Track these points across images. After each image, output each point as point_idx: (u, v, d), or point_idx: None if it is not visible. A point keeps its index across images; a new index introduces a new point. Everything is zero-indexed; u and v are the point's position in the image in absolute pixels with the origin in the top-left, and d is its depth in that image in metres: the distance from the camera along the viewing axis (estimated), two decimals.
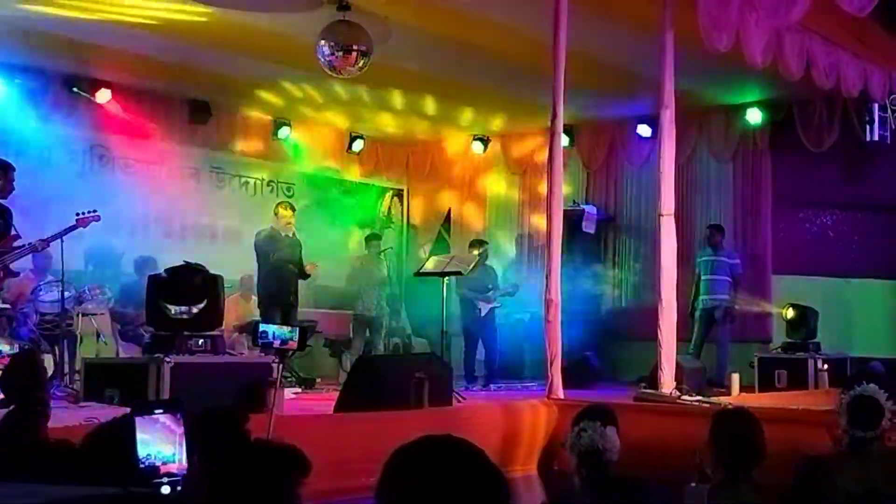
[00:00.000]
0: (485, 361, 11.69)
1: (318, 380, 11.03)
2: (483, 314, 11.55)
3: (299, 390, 9.87)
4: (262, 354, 7.54)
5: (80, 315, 9.35)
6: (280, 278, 9.89)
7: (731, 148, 12.97)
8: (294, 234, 10.11)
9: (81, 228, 8.61)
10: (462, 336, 11.80)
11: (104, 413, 5.69)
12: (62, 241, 8.43)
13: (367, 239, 12.22)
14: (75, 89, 11.34)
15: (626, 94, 11.82)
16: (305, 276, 10.01)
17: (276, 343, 5.75)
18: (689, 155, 12.92)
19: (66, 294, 8.92)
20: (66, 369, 8.89)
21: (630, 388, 9.86)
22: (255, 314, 11.16)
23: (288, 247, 10.00)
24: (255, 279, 10.25)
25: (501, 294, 11.86)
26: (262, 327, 5.84)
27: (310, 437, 5.18)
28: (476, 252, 11.37)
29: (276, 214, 10.22)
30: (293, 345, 5.76)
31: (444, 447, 1.95)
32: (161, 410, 3.17)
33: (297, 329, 5.77)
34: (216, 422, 3.47)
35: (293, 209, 10.33)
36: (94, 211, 8.74)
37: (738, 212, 12.90)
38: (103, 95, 11.55)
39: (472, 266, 10.61)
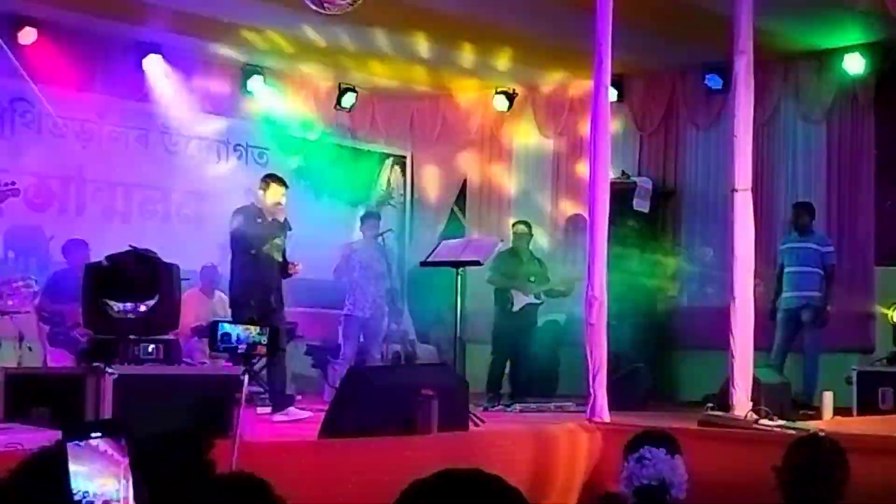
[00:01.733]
0: (509, 373, 11.72)
1: (299, 397, 11.04)
2: (516, 309, 11.58)
3: (269, 409, 9.88)
4: (229, 364, 7.56)
5: None
6: (261, 274, 9.52)
7: (824, 105, 12.92)
8: (286, 218, 9.65)
9: None
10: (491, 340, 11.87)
11: (30, 438, 5.72)
12: None
13: (362, 219, 12.23)
14: None
15: (691, 35, 11.79)
16: (287, 274, 9.85)
17: (242, 348, 5.76)
18: (771, 114, 12.88)
19: None
20: None
21: (693, 409, 9.85)
22: (220, 313, 11.19)
23: (276, 235, 9.62)
24: (229, 272, 9.92)
25: (547, 291, 11.87)
26: (222, 328, 5.86)
27: (286, 470, 5.20)
28: (500, 238, 11.43)
29: (262, 190, 9.65)
30: (262, 349, 5.78)
31: (469, 486, 1.94)
32: (100, 434, 3.18)
33: (268, 330, 5.78)
34: (170, 449, 3.49)
35: (286, 185, 9.78)
36: (12, 183, 8.77)
37: (832, 186, 12.86)
38: (27, 36, 11.58)
39: (493, 253, 10.63)
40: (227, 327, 5.89)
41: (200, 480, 3.25)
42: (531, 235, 12.08)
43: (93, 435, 3.17)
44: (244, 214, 9.64)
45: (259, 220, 9.56)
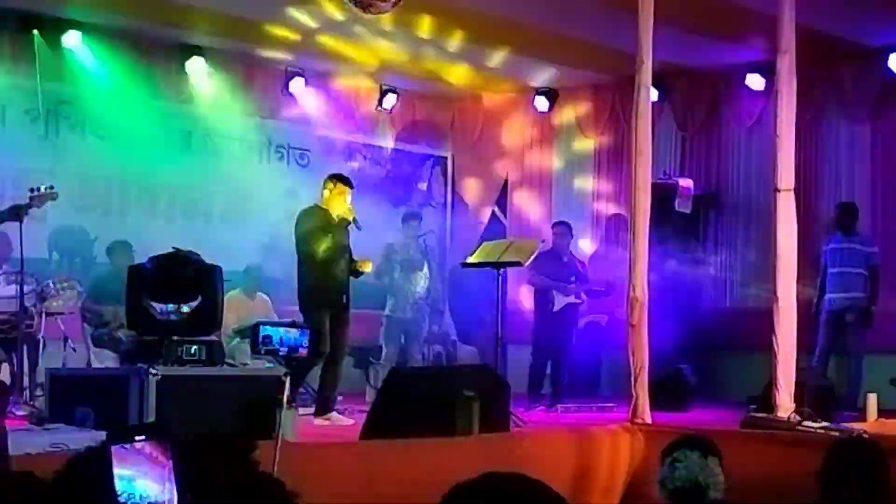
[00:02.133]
0: (550, 374, 11.72)
1: (340, 397, 11.07)
2: (556, 309, 11.58)
3: (311, 410, 9.92)
4: (271, 365, 7.60)
5: (43, 315, 9.48)
6: (333, 273, 9.55)
7: (869, 104, 12.83)
8: (355, 217, 9.62)
9: (36, 208, 8.73)
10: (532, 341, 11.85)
11: (74, 438, 5.77)
12: (21, 225, 8.55)
13: (404, 220, 12.23)
14: (35, 31, 11.46)
15: (733, 34, 11.73)
16: (357, 273, 9.92)
17: (283, 350, 5.78)
18: (815, 113, 12.78)
19: (26, 289, 9.04)
20: (27, 382, 9.01)
21: (736, 410, 9.81)
22: (262, 314, 11.24)
23: (344, 234, 9.67)
24: (296, 275, 9.90)
25: (587, 290, 11.87)
26: (264, 330, 5.89)
27: (328, 472, 5.23)
28: (539, 240, 11.41)
29: (328, 190, 9.67)
30: (304, 352, 5.80)
31: (511, 489, 1.94)
32: (144, 437, 3.20)
33: (308, 332, 5.77)
34: (215, 450, 3.51)
35: (351, 185, 9.80)
36: (51, 187, 8.85)
37: (876, 186, 12.76)
38: (71, 39, 11.67)
39: (534, 254, 10.62)
40: (269, 329, 5.91)
41: (246, 481, 3.27)
42: (572, 236, 12.06)
43: (137, 438, 3.19)
44: (313, 215, 9.65)
45: (327, 220, 9.58)
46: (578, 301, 11.78)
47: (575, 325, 11.91)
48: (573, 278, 11.75)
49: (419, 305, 11.85)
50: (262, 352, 5.90)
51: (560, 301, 11.63)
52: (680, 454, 4.15)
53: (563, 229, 11.99)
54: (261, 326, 5.97)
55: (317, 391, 9.66)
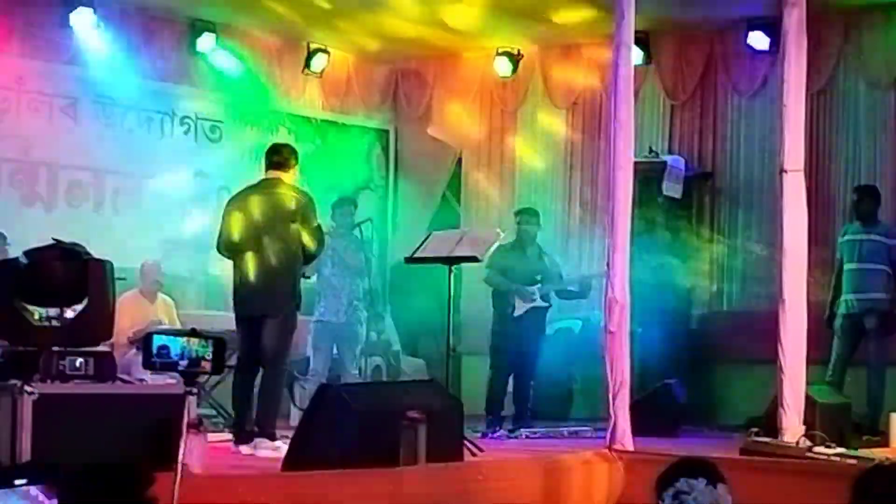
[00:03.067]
0: (512, 391, 11.72)
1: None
2: (518, 314, 11.58)
3: (229, 437, 9.88)
4: (173, 381, 7.52)
5: None
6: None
7: (892, 67, 12.92)
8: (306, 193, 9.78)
9: None
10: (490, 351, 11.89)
11: None
12: None
13: (335, 206, 12.22)
14: None
15: None
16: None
17: (183, 364, 5.73)
18: (828, 78, 12.87)
19: None
20: None
21: (735, 434, 9.86)
22: (164, 321, 11.16)
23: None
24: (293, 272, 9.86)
25: (558, 291, 11.85)
26: (158, 339, 5.81)
27: None
28: (498, 230, 11.41)
29: (296, 168, 9.88)
30: (207, 366, 5.75)
31: None
32: (25, 481, 3.17)
33: (213, 342, 5.71)
34: (105, 484, 3.48)
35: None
36: None
37: None
38: None
39: (492, 247, 10.62)
40: (163, 338, 5.84)
41: None
42: (539, 226, 12.03)
43: (17, 483, 3.16)
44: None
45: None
46: (545, 304, 11.78)
47: (541, 332, 11.90)
48: (539, 276, 11.74)
49: (354, 308, 11.84)
50: (158, 366, 5.83)
51: (522, 304, 11.62)
52: (683, 484, 4.16)
53: (528, 217, 11.97)
54: (154, 336, 5.89)
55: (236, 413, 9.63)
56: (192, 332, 6.64)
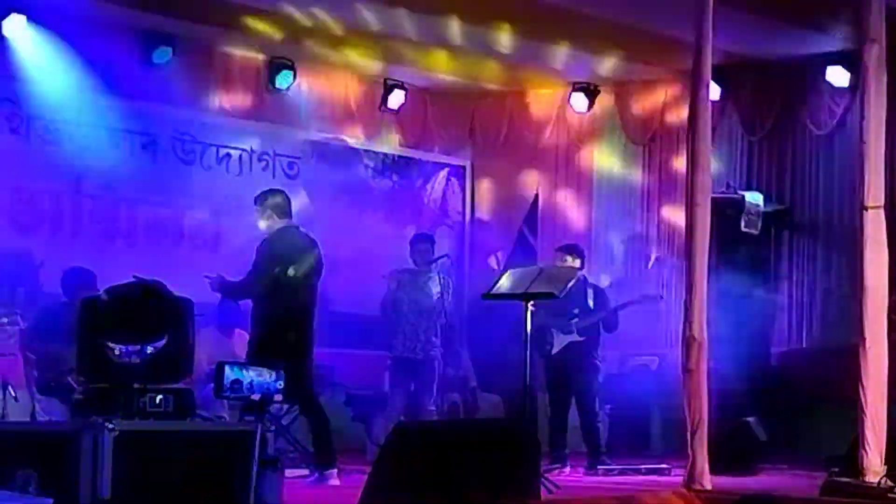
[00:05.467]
0: (581, 428, 11.64)
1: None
2: (555, 350, 11.50)
3: (306, 472, 9.92)
4: (251, 418, 7.55)
5: None
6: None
7: None
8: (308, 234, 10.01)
9: None
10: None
11: None
12: None
13: (413, 243, 12.23)
14: None
15: (811, 20, 11.73)
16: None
17: (255, 395, 5.76)
18: None
19: None
20: None
21: (815, 473, 9.76)
22: (242, 355, 11.24)
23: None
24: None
25: (586, 323, 11.62)
26: (229, 372, 5.85)
27: None
28: (572, 262, 11.34)
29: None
30: (278, 396, 5.78)
31: None
32: None
33: (284, 373, 5.74)
34: None
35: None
36: None
37: None
38: (13, 24, 11.74)
39: (570, 284, 10.57)
40: (235, 371, 5.87)
41: None
42: (581, 269, 11.73)
43: None
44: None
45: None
46: (580, 338, 11.62)
47: (585, 367, 11.68)
48: (576, 310, 11.57)
49: (431, 345, 11.81)
50: (231, 397, 5.87)
51: (558, 340, 11.54)
52: None
53: (577, 256, 11.78)
54: (226, 368, 5.92)
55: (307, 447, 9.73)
56: (262, 364, 6.70)
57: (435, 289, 11.82)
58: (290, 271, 9.76)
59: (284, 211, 10.01)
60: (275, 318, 9.81)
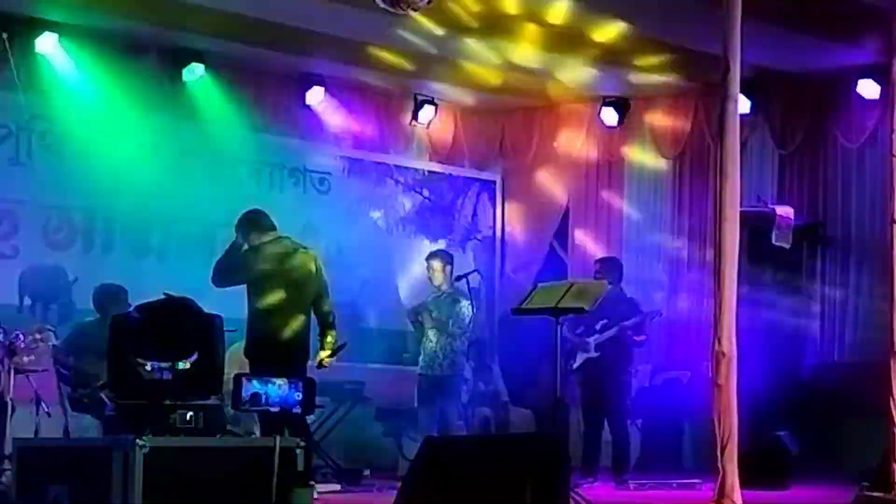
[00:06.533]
0: (612, 444, 11.62)
1: (367, 471, 11.09)
2: (576, 365, 11.47)
3: (338, 487, 9.94)
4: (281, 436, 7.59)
5: (11, 372, 9.53)
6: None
7: None
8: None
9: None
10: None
11: None
12: None
13: (442, 257, 12.21)
14: (3, 34, 11.58)
15: (842, 32, 11.71)
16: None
17: (275, 408, 5.77)
18: None
19: None
20: None
21: (847, 487, 9.72)
22: None
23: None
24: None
25: (601, 336, 11.58)
26: (248, 385, 5.86)
27: None
28: (604, 279, 11.31)
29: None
30: (298, 410, 5.80)
31: None
32: None
33: (303, 383, 5.73)
34: None
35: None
36: None
37: None
38: (45, 42, 11.80)
39: (599, 299, 10.55)
40: (255, 384, 5.89)
41: None
42: (610, 284, 11.70)
43: None
44: None
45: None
46: (596, 354, 11.57)
47: (608, 382, 11.64)
48: (605, 321, 11.52)
49: (459, 360, 11.76)
50: (250, 409, 5.89)
51: (580, 356, 11.52)
52: None
53: (610, 269, 11.77)
54: (244, 381, 5.93)
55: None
56: (277, 375, 6.72)
57: (464, 303, 11.75)
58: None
59: (262, 224, 10.06)
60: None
